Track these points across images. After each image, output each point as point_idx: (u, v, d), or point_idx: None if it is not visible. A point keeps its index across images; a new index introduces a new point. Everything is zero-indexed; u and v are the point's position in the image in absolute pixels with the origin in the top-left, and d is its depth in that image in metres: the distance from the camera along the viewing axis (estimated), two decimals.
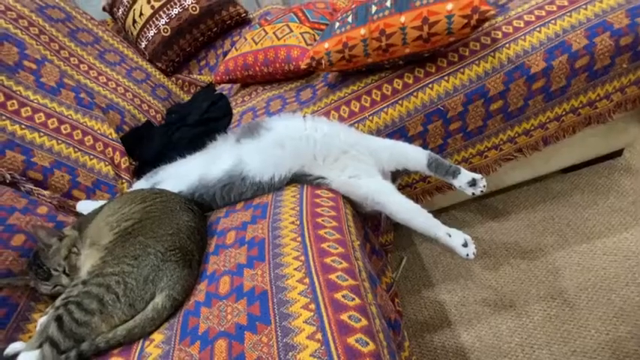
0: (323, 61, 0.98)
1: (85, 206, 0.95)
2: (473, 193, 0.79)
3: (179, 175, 0.86)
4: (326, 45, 0.96)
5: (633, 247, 0.96)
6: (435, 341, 0.95)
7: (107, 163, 1.09)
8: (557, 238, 1.05)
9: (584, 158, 1.14)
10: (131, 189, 0.95)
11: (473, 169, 1.04)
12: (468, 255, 0.75)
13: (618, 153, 1.17)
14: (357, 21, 0.91)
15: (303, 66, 1.03)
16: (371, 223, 0.99)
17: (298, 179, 0.81)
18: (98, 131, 1.14)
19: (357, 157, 0.80)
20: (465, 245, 0.75)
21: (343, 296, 0.53)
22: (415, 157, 0.82)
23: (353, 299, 0.53)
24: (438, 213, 0.99)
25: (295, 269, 0.57)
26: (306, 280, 0.55)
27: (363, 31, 0.90)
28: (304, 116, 0.85)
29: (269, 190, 0.79)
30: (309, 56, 1.00)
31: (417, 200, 0.89)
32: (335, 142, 0.81)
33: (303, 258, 0.59)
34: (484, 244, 1.11)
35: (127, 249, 0.62)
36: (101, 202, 0.91)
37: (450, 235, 0.75)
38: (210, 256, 0.68)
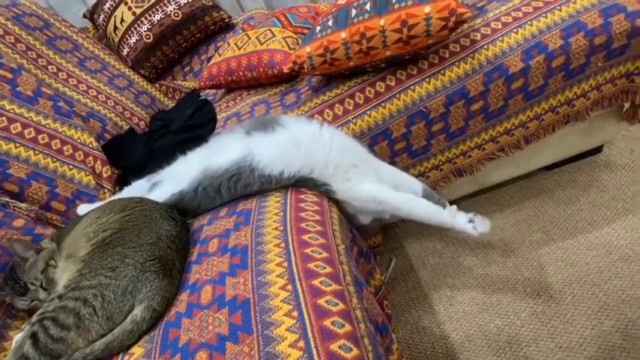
0: (305, 65, 0.98)
1: (86, 210, 0.91)
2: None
3: (181, 173, 0.84)
4: (308, 49, 0.96)
5: (615, 241, 0.98)
6: (424, 342, 0.95)
7: (88, 173, 1.07)
8: (542, 235, 1.06)
9: (566, 155, 1.16)
10: (130, 187, 0.91)
11: (457, 170, 1.05)
12: (476, 229, 0.76)
13: (598, 149, 1.19)
14: (338, 24, 0.91)
15: (285, 70, 1.02)
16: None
17: (305, 183, 0.80)
18: (78, 140, 1.11)
19: (364, 173, 0.83)
20: (472, 221, 0.78)
21: (326, 302, 0.52)
22: (413, 186, 0.87)
23: (337, 304, 0.52)
24: None
25: (278, 276, 0.56)
26: (289, 287, 0.54)
27: (343, 34, 0.90)
28: (321, 124, 0.86)
29: (276, 185, 0.78)
30: (292, 60, 1.00)
31: None
32: (348, 154, 0.83)
33: (286, 264, 0.58)
34: (472, 242, 1.12)
35: (104, 260, 0.60)
36: (99, 204, 0.87)
37: (454, 217, 0.78)
38: (192, 265, 0.66)
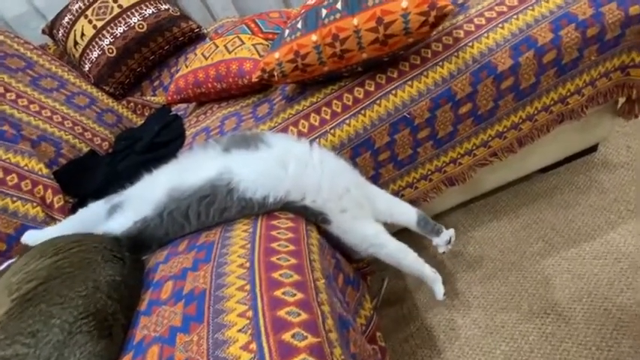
0: (275, 73, 0.88)
1: (33, 238, 0.77)
2: (444, 252, 0.84)
3: (144, 195, 0.72)
4: (276, 55, 0.87)
5: (622, 247, 0.90)
6: None
7: (35, 204, 0.94)
8: (544, 244, 0.98)
9: (561, 156, 1.09)
10: (85, 209, 0.79)
11: (448, 179, 0.96)
12: (442, 294, 0.81)
13: (593, 148, 1.13)
14: (308, 27, 0.83)
15: (254, 79, 0.93)
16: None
17: (297, 211, 0.72)
18: (24, 168, 0.99)
19: (358, 200, 0.77)
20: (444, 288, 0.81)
21: None
22: (408, 213, 0.84)
23: None
24: None
25: (240, 331, 0.45)
26: (253, 346, 0.43)
27: (314, 37, 0.81)
28: (311, 143, 0.79)
29: (259, 211, 0.68)
30: (260, 68, 0.90)
31: None
32: (341, 178, 0.77)
33: (250, 313, 0.47)
34: (469, 257, 1.03)
35: (23, 322, 0.48)
36: (50, 230, 0.76)
37: (435, 272, 0.81)
38: (141, 316, 0.55)
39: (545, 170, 1.13)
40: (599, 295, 0.84)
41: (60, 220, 0.96)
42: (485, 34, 0.84)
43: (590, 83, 0.88)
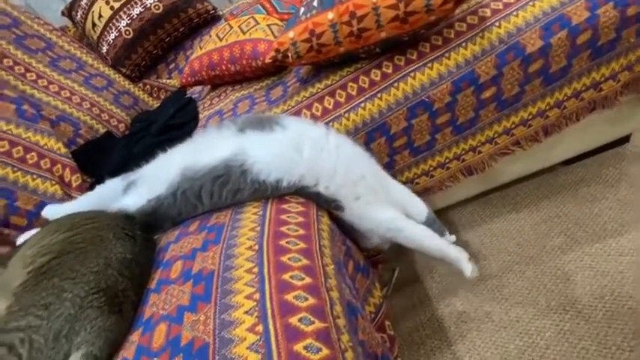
0: (289, 54, 0.86)
1: (52, 212, 0.80)
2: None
3: (159, 173, 0.73)
4: (291, 34, 0.84)
5: None
6: None
7: (54, 182, 0.96)
8: (565, 239, 0.94)
9: (589, 147, 1.03)
10: (103, 186, 0.81)
11: (466, 167, 0.92)
12: (472, 272, 0.77)
13: (625, 139, 1.06)
14: (324, 4, 0.79)
15: (267, 60, 0.91)
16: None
17: (309, 197, 0.71)
18: (44, 147, 1.01)
19: (373, 187, 0.76)
20: (469, 261, 0.78)
21: (306, 347, 0.41)
22: (419, 208, 0.82)
23: (319, 350, 0.41)
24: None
25: (246, 312, 0.45)
26: (259, 328, 0.43)
27: (330, 15, 0.78)
28: (327, 127, 0.77)
29: (272, 194, 0.68)
30: (274, 48, 0.88)
31: None
32: (357, 164, 0.76)
33: (257, 296, 0.47)
34: (484, 249, 1.00)
35: (37, 295, 0.49)
36: (69, 205, 0.79)
37: (460, 250, 0.78)
38: (150, 294, 0.55)
39: (569, 162, 1.07)
40: (624, 294, 0.79)
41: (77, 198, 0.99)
42: (515, 13, 0.78)
43: (627, 68, 0.81)
